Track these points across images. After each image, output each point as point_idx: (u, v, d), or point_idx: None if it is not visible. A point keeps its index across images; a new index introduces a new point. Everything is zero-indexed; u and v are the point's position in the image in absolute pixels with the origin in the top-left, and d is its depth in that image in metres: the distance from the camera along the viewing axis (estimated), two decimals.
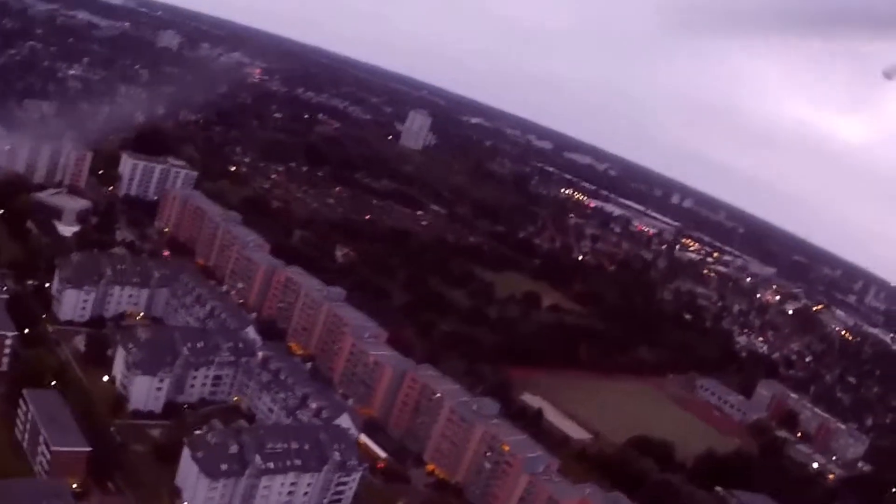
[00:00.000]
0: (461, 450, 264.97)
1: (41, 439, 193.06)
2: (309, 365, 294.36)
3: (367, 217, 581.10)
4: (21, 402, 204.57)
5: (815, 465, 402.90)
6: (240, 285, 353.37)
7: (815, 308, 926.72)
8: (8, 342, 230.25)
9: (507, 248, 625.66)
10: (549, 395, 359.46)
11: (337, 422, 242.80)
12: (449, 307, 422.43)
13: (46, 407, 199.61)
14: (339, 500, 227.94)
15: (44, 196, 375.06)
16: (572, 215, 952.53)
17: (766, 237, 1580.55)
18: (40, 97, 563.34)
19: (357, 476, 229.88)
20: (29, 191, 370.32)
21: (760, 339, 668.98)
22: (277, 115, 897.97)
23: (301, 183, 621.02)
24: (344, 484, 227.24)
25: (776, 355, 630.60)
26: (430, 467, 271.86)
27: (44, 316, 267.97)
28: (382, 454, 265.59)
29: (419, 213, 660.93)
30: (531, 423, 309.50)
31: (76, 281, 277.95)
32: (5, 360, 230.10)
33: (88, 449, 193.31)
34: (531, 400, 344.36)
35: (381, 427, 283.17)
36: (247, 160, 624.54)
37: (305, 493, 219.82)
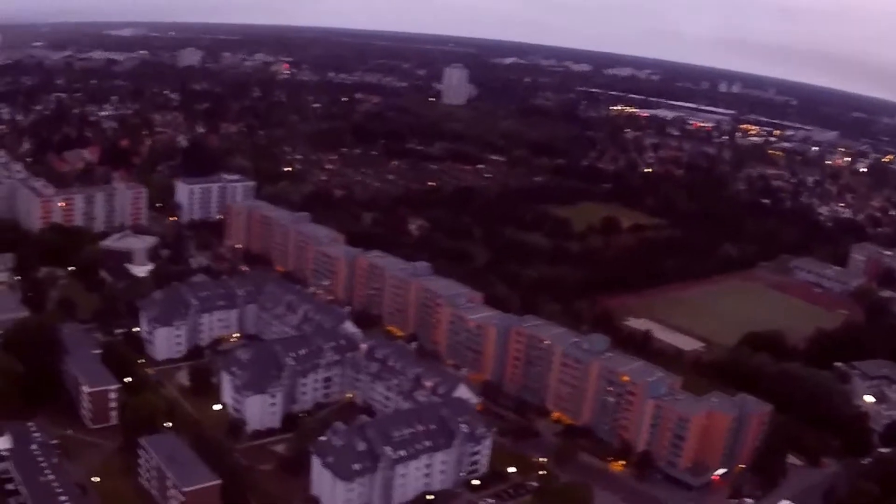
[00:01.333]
0: (581, 391, 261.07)
1: (169, 483, 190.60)
2: (413, 344, 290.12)
3: (430, 183, 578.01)
4: (140, 450, 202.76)
5: None
6: (325, 282, 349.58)
7: (885, 160, 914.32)
8: (112, 395, 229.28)
9: (573, 179, 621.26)
10: (652, 315, 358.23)
11: (455, 394, 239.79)
12: (532, 252, 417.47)
13: (167, 449, 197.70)
14: (476, 470, 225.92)
15: (109, 242, 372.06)
16: (628, 130, 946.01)
17: (820, 102, 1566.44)
18: (79, 145, 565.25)
19: (487, 442, 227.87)
20: (93, 240, 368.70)
21: (841, 205, 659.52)
22: (316, 104, 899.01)
23: (357, 166, 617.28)
24: (476, 453, 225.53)
25: (860, 217, 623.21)
26: (554, 415, 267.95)
27: (140, 360, 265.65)
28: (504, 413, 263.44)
29: (479, 166, 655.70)
30: (641, 346, 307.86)
31: (164, 318, 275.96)
32: (113, 412, 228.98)
33: (218, 481, 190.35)
34: (636, 323, 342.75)
35: (498, 388, 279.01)
36: (298, 156, 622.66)
37: (442, 472, 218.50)
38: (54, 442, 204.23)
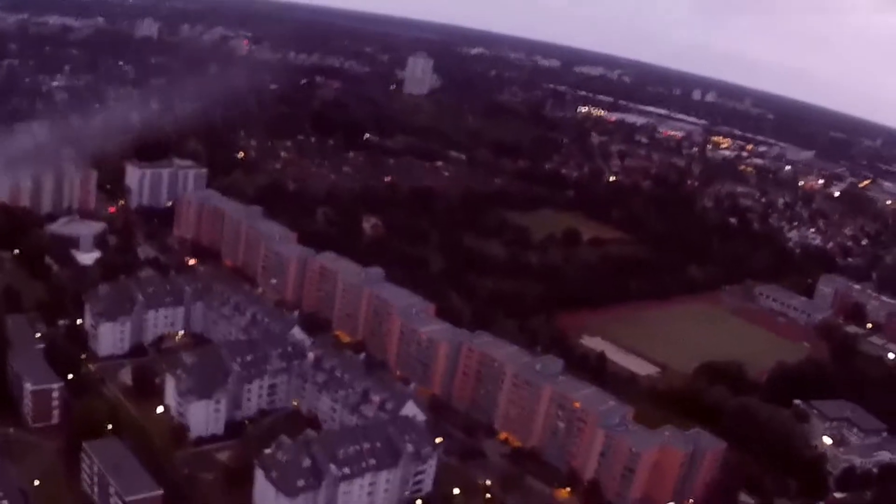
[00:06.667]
0: (531, 414, 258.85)
1: (112, 490, 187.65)
2: (362, 355, 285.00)
3: (387, 179, 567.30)
4: (83, 455, 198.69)
5: (891, 355, 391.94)
6: (273, 281, 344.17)
7: (861, 185, 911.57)
8: (55, 394, 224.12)
9: (534, 184, 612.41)
10: (608, 335, 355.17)
11: (403, 411, 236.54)
12: (488, 263, 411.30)
13: (110, 456, 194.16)
14: (420, 490, 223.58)
15: (56, 227, 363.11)
16: (594, 134, 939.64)
17: (797, 118, 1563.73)
18: (29, 118, 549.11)
19: (433, 462, 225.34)
20: (39, 224, 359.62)
21: (812, 230, 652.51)
22: (273, 86, 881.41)
23: (313, 156, 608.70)
24: (422, 472, 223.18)
25: (831, 245, 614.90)
26: (502, 436, 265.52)
27: (82, 356, 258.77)
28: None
29: (438, 164, 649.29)
30: (595, 368, 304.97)
31: (109, 313, 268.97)
32: (56, 411, 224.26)
33: (160, 492, 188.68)
34: (591, 343, 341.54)
35: (446, 404, 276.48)
36: (253, 143, 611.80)
37: (385, 490, 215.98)
38: None
